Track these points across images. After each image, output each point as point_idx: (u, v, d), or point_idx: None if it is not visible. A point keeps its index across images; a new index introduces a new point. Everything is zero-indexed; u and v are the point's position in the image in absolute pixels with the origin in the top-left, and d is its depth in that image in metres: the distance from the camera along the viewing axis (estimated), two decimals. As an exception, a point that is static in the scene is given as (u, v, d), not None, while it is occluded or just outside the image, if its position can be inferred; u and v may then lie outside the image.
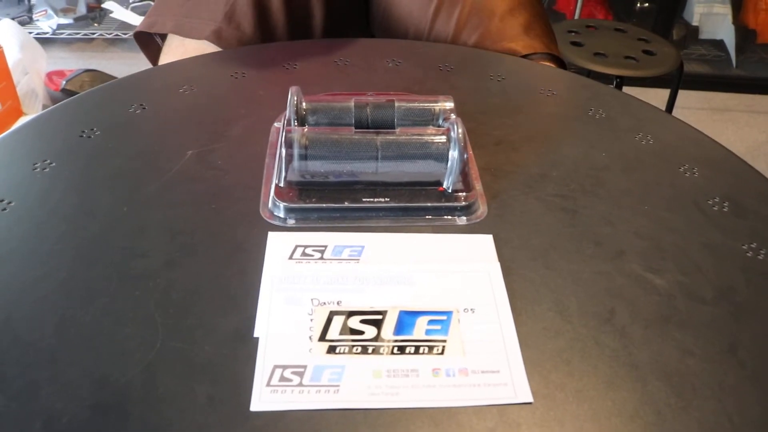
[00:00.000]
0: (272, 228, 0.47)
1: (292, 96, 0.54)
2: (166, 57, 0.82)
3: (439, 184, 0.50)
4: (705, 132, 0.62)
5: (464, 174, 0.51)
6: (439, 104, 0.55)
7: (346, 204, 0.48)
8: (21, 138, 0.56)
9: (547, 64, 0.81)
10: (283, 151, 0.49)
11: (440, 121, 0.55)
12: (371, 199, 0.49)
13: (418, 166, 0.50)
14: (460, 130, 0.49)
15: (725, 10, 2.43)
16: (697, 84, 2.34)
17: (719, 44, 2.47)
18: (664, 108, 1.72)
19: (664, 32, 2.38)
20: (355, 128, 0.53)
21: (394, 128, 0.54)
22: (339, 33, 0.83)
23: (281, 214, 0.48)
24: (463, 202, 0.49)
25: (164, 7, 0.83)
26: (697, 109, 2.28)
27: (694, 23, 2.45)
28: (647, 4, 2.43)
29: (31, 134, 0.57)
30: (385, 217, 0.48)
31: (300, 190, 0.49)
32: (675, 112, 1.79)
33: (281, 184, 0.49)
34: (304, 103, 0.55)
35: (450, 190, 0.50)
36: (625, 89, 1.56)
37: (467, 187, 0.50)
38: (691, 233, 0.49)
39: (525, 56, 0.80)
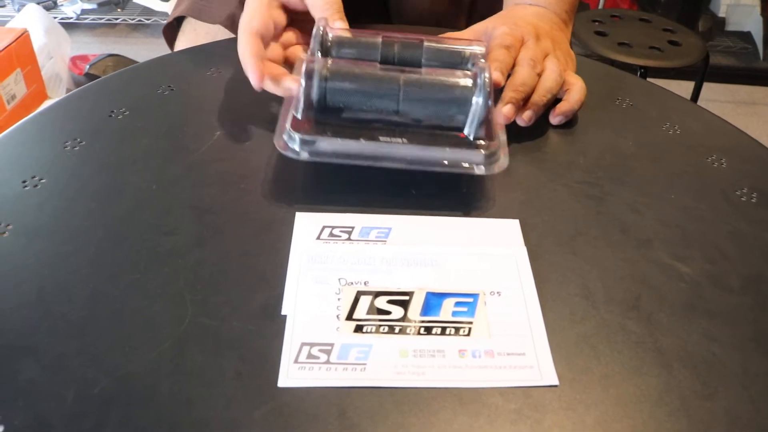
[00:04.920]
0: (286, 159, 0.47)
1: (318, 27, 0.53)
2: (179, 43, 0.82)
3: (461, 130, 0.48)
4: (729, 125, 0.61)
5: (487, 122, 0.48)
6: (469, 48, 0.54)
7: (362, 141, 0.46)
8: (52, 117, 0.57)
9: None
10: (303, 80, 0.48)
11: (469, 65, 0.53)
12: (388, 138, 0.47)
13: (439, 109, 0.48)
14: (486, 75, 0.47)
15: (753, 2, 2.39)
16: (723, 76, 2.31)
17: (746, 36, 2.43)
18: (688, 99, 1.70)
19: (689, 23, 2.35)
20: (381, 65, 0.51)
21: (421, 68, 0.52)
22: (356, 18, 0.83)
23: (296, 147, 0.46)
24: (483, 151, 0.47)
25: None
26: (722, 101, 2.25)
27: (721, 14, 2.42)
28: (672, -5, 2.40)
29: (62, 114, 0.58)
30: (401, 158, 0.47)
31: (316, 123, 0.48)
32: (699, 105, 1.77)
33: (299, 116, 0.48)
34: (330, 34, 0.54)
35: (471, 138, 0.48)
36: (650, 80, 1.54)
37: (489, 136, 0.48)
38: (718, 222, 0.48)
39: None
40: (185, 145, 0.53)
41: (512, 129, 0.56)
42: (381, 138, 0.47)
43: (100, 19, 2.40)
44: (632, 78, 0.68)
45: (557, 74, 0.56)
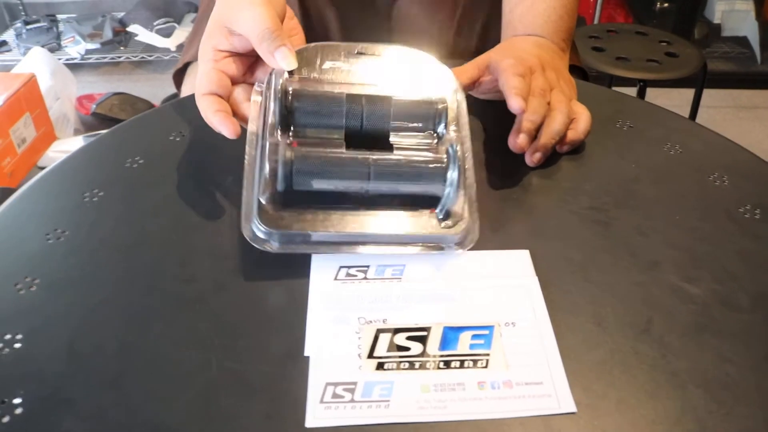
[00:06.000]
0: (254, 250, 0.46)
1: (277, 82, 0.50)
2: (185, 87, 0.84)
3: (432, 205, 0.48)
4: (731, 130, 0.63)
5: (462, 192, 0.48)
6: (441, 102, 0.51)
7: (333, 231, 0.46)
8: (70, 169, 0.59)
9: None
10: (267, 168, 0.46)
11: (442, 119, 0.51)
12: (360, 227, 0.46)
13: (410, 188, 0.48)
14: (457, 147, 0.47)
15: (748, 6, 2.41)
16: (722, 82, 2.33)
17: (743, 41, 2.45)
18: (689, 107, 1.72)
19: (685, 31, 2.37)
20: (347, 126, 0.50)
21: (389, 128, 0.50)
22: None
23: (264, 237, 0.46)
24: (454, 233, 0.47)
25: (190, 41, 0.85)
26: (722, 107, 2.26)
27: (716, 21, 2.44)
28: (667, 4, 2.42)
29: (79, 165, 0.60)
30: (374, 244, 0.47)
31: (284, 208, 0.46)
32: (700, 112, 1.78)
33: (264, 201, 0.46)
34: (290, 88, 0.50)
35: (441, 216, 0.47)
36: (649, 91, 1.56)
37: (460, 211, 0.47)
38: (724, 242, 0.50)
39: None
40: (200, 192, 0.55)
41: (519, 157, 0.57)
42: (353, 226, 0.46)
43: (104, 58, 2.44)
44: (631, 99, 0.69)
45: (564, 115, 0.57)
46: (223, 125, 0.50)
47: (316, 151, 0.47)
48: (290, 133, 0.50)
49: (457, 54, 0.83)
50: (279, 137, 0.49)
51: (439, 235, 0.47)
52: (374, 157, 0.47)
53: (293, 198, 0.47)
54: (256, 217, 0.45)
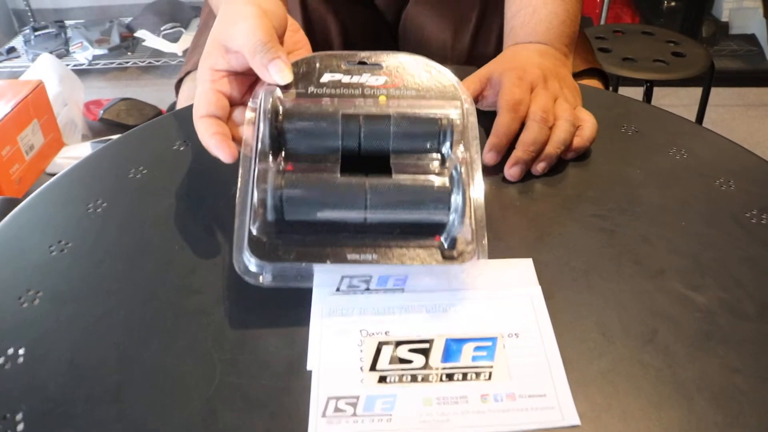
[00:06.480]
0: (245, 283, 0.44)
1: (267, 100, 0.47)
2: (181, 98, 0.83)
3: (437, 231, 0.45)
4: (740, 129, 0.62)
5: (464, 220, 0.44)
6: (444, 114, 0.48)
7: (329, 263, 0.43)
8: (74, 180, 0.59)
9: (592, 80, 0.81)
10: (256, 196, 0.44)
11: (447, 138, 0.47)
12: (357, 256, 0.43)
13: (411, 215, 0.44)
14: (462, 169, 0.44)
15: (755, 4, 2.40)
16: (730, 80, 2.31)
17: (751, 39, 2.44)
18: (697, 106, 1.71)
19: (693, 30, 2.36)
20: (343, 148, 0.47)
21: (389, 149, 0.48)
22: (363, 44, 0.83)
23: (256, 270, 0.43)
24: (459, 264, 0.43)
25: (191, 51, 0.85)
26: (731, 105, 2.25)
27: (724, 19, 2.43)
28: (674, 3, 2.41)
29: (82, 176, 0.60)
30: (372, 271, 0.44)
31: (276, 238, 0.43)
32: (709, 110, 1.77)
33: (255, 232, 0.43)
34: (281, 107, 0.47)
35: (447, 246, 0.44)
36: (656, 90, 1.55)
37: (465, 238, 0.44)
38: (730, 248, 0.49)
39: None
40: (203, 202, 0.55)
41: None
42: (349, 256, 0.43)
43: (112, 63, 2.45)
44: (636, 103, 0.69)
45: (570, 124, 0.57)
46: (219, 149, 0.47)
47: (306, 178, 0.45)
48: (282, 156, 0.47)
49: (473, 61, 0.83)
50: (270, 162, 0.46)
51: (444, 266, 0.43)
52: (371, 182, 0.44)
53: (287, 226, 0.44)
54: (246, 249, 0.43)
